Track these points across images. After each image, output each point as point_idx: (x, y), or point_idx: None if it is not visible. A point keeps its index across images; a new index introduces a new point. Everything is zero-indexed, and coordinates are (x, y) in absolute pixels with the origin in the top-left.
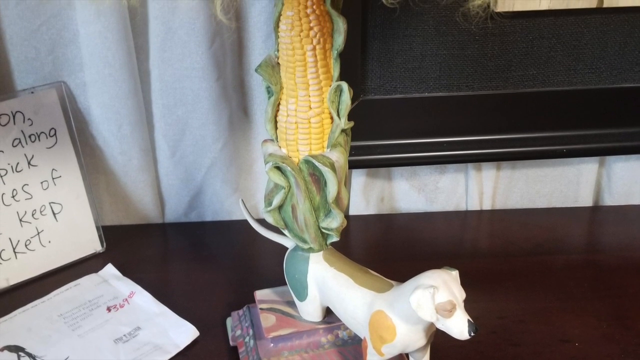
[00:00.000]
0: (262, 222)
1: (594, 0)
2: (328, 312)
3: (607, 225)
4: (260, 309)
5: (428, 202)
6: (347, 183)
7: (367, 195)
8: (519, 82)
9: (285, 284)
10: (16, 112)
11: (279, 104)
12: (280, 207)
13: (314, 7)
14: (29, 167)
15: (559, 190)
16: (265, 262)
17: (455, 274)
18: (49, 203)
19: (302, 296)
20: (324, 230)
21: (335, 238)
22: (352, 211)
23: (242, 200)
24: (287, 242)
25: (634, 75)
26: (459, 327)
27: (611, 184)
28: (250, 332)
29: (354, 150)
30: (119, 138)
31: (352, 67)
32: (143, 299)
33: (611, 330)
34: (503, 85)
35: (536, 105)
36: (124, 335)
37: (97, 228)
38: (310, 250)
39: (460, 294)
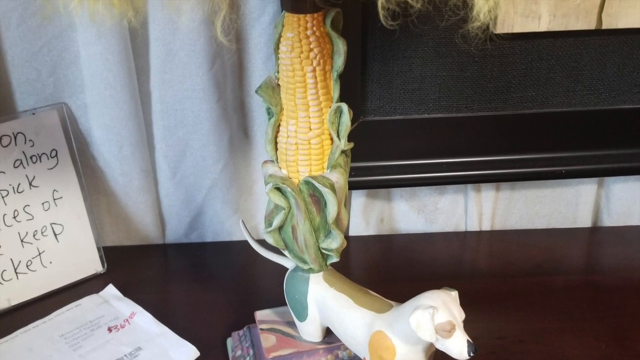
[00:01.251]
0: (263, 242)
1: (593, 22)
2: (328, 333)
3: (605, 246)
4: (261, 329)
5: (427, 223)
6: (347, 204)
7: (366, 216)
8: (518, 104)
9: (285, 304)
10: (17, 133)
11: (279, 125)
12: (280, 228)
13: (314, 28)
14: (30, 188)
15: (558, 211)
16: (266, 282)
17: (454, 294)
18: (50, 224)
19: (302, 316)
20: (324, 251)
21: (335, 259)
22: (352, 232)
23: (242, 221)
24: (287, 262)
25: (632, 96)
26: (458, 347)
27: (610, 205)
28: (251, 352)
29: (353, 171)
30: (119, 159)
31: (352, 88)
32: (144, 319)
33: (610, 351)
34: (502, 107)
35: (535, 126)
36: (125, 355)
37: (98, 249)
38: (311, 270)
39: (459, 315)
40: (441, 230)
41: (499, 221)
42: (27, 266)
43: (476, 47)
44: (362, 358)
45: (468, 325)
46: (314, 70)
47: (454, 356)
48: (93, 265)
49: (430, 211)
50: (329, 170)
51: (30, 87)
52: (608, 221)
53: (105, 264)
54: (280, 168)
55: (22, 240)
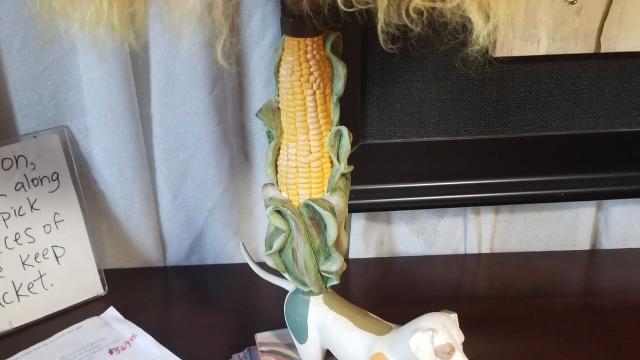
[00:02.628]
0: (263, 265)
1: (592, 45)
2: (328, 355)
3: (604, 268)
4: (261, 351)
5: (427, 246)
6: (347, 227)
7: (366, 238)
8: (517, 127)
9: (285, 326)
10: (19, 156)
11: (279, 148)
12: (280, 251)
13: (314, 52)
14: (31, 211)
15: (556, 234)
16: (266, 305)
17: (454, 316)
18: (52, 246)
19: (303, 339)
20: (324, 274)
21: (335, 281)
22: (352, 254)
23: (242, 243)
24: (288, 285)
25: (631, 119)
26: None
27: (608, 228)
28: None
29: (353, 194)
30: (120, 182)
31: (352, 111)
32: (145, 341)
33: None
34: (501, 130)
35: (534, 149)
36: None
37: (99, 271)
38: (311, 293)
39: (459, 337)
40: (440, 253)
41: (498, 244)
42: (28, 288)
43: (475, 71)
44: None
45: (467, 348)
46: (314, 93)
47: None
48: (94, 287)
49: (429, 234)
50: (329, 193)
51: (32, 111)
52: (607, 244)
53: (106, 287)
54: (280, 191)
55: (23, 263)
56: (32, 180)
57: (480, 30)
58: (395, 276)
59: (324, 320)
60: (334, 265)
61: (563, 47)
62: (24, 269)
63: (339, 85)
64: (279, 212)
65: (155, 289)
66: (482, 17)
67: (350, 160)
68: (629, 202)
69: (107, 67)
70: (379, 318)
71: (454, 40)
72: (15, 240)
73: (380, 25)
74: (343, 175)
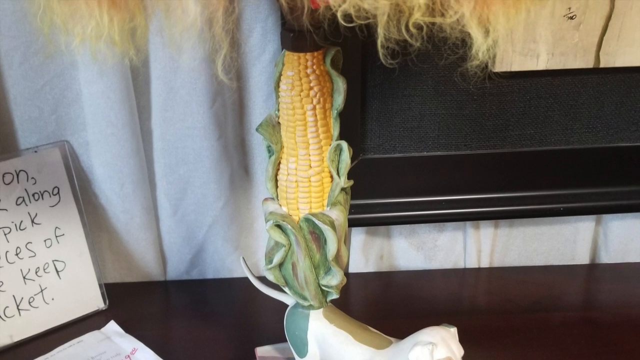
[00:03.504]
0: (263, 279)
1: (591, 60)
2: None
3: (603, 282)
4: None
5: (427, 260)
6: (347, 241)
7: (366, 253)
8: (516, 141)
9: (285, 340)
10: (20, 170)
11: (279, 162)
12: (280, 265)
13: (314, 67)
14: (32, 225)
15: (556, 248)
16: (266, 319)
17: (453, 331)
18: (53, 261)
19: (303, 353)
20: (324, 288)
21: (335, 295)
22: (352, 269)
23: (243, 258)
24: (288, 299)
25: (630, 134)
26: None
27: (608, 242)
28: None
29: (353, 209)
30: (121, 196)
31: (352, 126)
32: (145, 355)
33: None
34: (501, 145)
35: (533, 164)
36: None
37: (100, 285)
38: (311, 307)
39: (458, 351)
40: (440, 267)
41: (497, 258)
42: (29, 303)
43: (475, 86)
44: None
45: None
46: (314, 108)
47: None
48: (95, 301)
49: (429, 248)
50: (329, 208)
51: (33, 125)
52: (606, 258)
53: (107, 301)
54: (280, 205)
55: (24, 277)
56: (33, 195)
57: (480, 45)
58: (395, 290)
59: (324, 334)
60: (334, 280)
61: (562, 62)
62: (25, 283)
63: (339, 100)
64: (279, 226)
65: (156, 303)
66: (481, 32)
67: (350, 175)
68: (628, 217)
69: (107, 82)
70: (378, 332)
71: (453, 55)
72: (16, 254)
73: (380, 40)
74: (343, 189)
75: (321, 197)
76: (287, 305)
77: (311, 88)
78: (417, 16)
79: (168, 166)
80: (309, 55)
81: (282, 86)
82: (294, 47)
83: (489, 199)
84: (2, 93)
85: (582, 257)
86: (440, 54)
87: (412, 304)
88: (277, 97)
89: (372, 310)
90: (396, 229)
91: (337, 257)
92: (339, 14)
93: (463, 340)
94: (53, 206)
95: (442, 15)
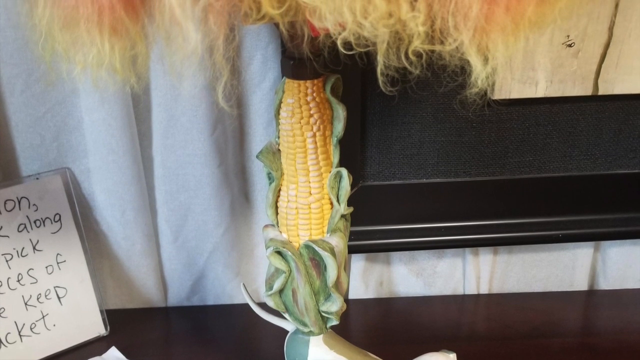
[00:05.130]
0: (263, 305)
1: (589, 87)
2: None
3: (602, 309)
4: None
5: (426, 286)
6: (347, 267)
7: (366, 279)
8: (515, 169)
9: None
10: (21, 197)
11: (279, 189)
12: (281, 291)
13: (314, 94)
14: (34, 252)
15: (554, 275)
16: (267, 345)
17: (453, 357)
18: (54, 287)
19: None
20: (324, 314)
21: (335, 321)
22: (352, 295)
23: (243, 284)
24: (288, 325)
25: (628, 161)
26: None
27: (606, 269)
28: None
29: (353, 235)
30: (122, 223)
31: (352, 153)
32: None
33: None
34: (500, 172)
35: (532, 191)
36: None
37: (101, 312)
38: (311, 333)
39: None
40: (439, 294)
41: (496, 284)
42: (31, 329)
43: (474, 113)
44: None
45: None
46: (314, 135)
47: None
48: (96, 328)
49: (428, 275)
50: (328, 234)
51: (34, 152)
52: (604, 284)
53: (108, 327)
54: (280, 232)
55: (26, 304)
56: (35, 222)
57: (479, 73)
58: (394, 316)
59: None
60: (334, 306)
61: (561, 89)
62: (27, 310)
63: (339, 127)
64: (279, 253)
65: (157, 329)
66: (480, 59)
67: (350, 202)
68: (627, 243)
69: (109, 109)
70: (378, 358)
71: (452, 83)
72: (18, 280)
73: (379, 68)
74: (343, 216)
75: (321, 224)
76: (287, 332)
77: (311, 115)
78: (417, 44)
79: (169, 193)
80: (309, 83)
81: (283, 113)
82: (294, 74)
83: (488, 225)
84: (4, 120)
85: (580, 284)
86: (439, 81)
87: (411, 330)
88: (278, 124)
89: (372, 336)
90: (396, 255)
91: (337, 284)
92: (338, 42)
93: None
94: (54, 233)
95: (442, 42)
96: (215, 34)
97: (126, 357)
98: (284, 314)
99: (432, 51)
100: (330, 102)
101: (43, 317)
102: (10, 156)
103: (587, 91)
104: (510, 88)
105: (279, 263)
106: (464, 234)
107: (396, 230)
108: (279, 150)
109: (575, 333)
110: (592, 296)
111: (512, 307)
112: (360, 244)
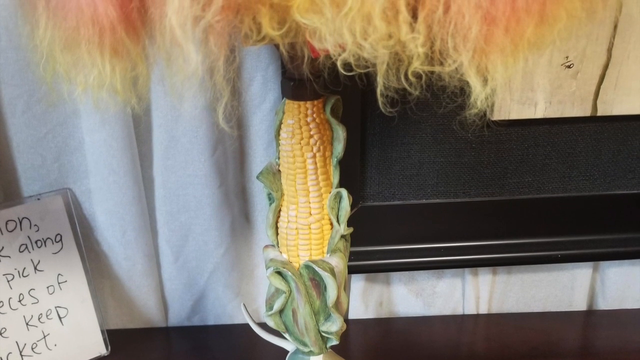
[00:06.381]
0: (264, 325)
1: (588, 108)
2: None
3: (601, 329)
4: None
5: (426, 307)
6: (347, 288)
7: (366, 299)
8: (514, 189)
9: None
10: (23, 218)
11: (279, 210)
12: (281, 311)
13: (314, 115)
14: (35, 272)
15: (553, 295)
16: None
17: None
18: (55, 307)
19: None
20: (324, 334)
21: (335, 341)
22: (352, 315)
23: (243, 304)
24: (288, 345)
25: (627, 182)
26: None
27: (605, 289)
28: None
29: (353, 256)
30: (123, 244)
31: (352, 174)
32: None
33: None
34: (499, 192)
35: (531, 211)
36: None
37: (102, 332)
38: (311, 353)
39: None
40: (439, 314)
41: (495, 305)
42: (32, 349)
43: (473, 134)
44: None
45: None
46: (314, 156)
47: None
48: (97, 348)
49: (428, 295)
50: (328, 255)
51: (35, 173)
52: (603, 304)
53: (109, 347)
54: (281, 252)
55: (27, 324)
56: (36, 242)
57: (478, 94)
58: (394, 336)
59: None
60: (334, 326)
61: (560, 110)
62: (28, 330)
63: (339, 148)
64: (279, 273)
65: (158, 349)
66: (480, 80)
67: (349, 222)
68: (625, 264)
69: (109, 130)
70: None
71: (452, 104)
72: (19, 301)
73: (379, 89)
74: (343, 236)
75: (321, 244)
76: (288, 352)
77: (311, 136)
78: (416, 65)
79: (169, 214)
80: (309, 104)
81: (283, 134)
82: (295, 95)
83: (487, 246)
84: (5, 141)
85: (579, 304)
86: (439, 102)
87: (411, 350)
88: (278, 145)
89: (372, 356)
90: (395, 275)
91: (337, 304)
92: (338, 63)
93: None
94: (55, 253)
95: (441, 64)
96: (215, 55)
97: None
98: (284, 334)
99: (432, 72)
100: (330, 123)
101: (44, 337)
102: (11, 177)
103: (586, 112)
104: (509, 109)
105: (279, 283)
106: (463, 255)
107: (396, 251)
108: (279, 170)
109: (574, 353)
110: (591, 316)
111: (511, 327)
112: (360, 264)
